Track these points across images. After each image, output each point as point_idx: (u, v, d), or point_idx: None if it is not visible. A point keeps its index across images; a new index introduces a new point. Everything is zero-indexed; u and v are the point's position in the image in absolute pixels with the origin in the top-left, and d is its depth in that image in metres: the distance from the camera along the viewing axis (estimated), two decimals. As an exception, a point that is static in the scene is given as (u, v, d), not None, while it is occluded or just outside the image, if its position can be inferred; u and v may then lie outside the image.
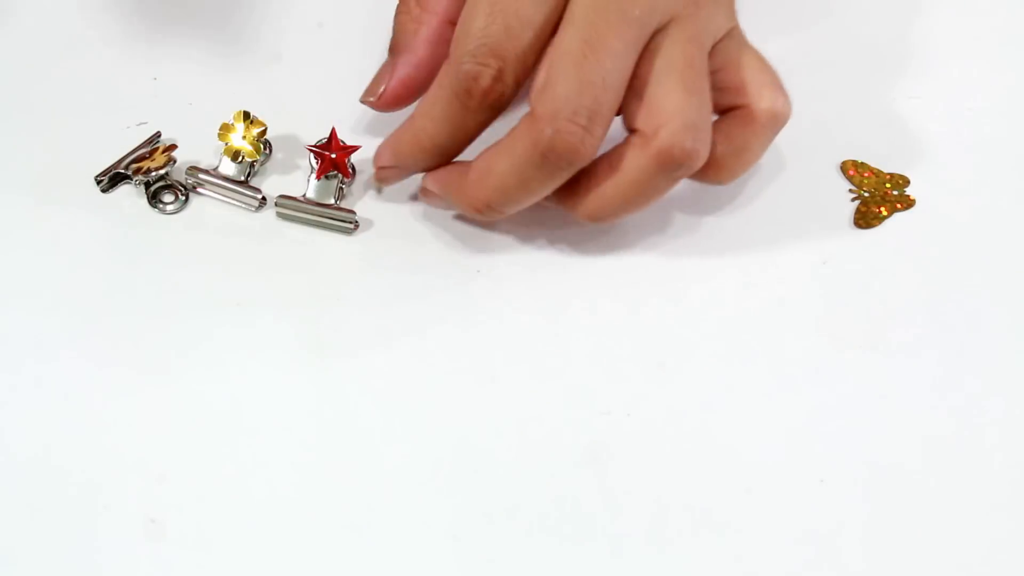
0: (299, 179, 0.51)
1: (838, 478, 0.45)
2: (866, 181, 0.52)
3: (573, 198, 0.46)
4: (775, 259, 0.50)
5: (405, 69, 0.49)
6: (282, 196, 0.50)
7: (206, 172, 0.50)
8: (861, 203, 0.51)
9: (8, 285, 0.48)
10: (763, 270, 0.49)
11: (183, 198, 0.50)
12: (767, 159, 0.51)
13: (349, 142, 0.50)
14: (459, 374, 0.47)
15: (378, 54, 0.51)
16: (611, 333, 0.48)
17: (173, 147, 0.50)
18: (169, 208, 0.50)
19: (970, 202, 0.51)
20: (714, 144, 0.45)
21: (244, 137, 0.50)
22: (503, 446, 0.45)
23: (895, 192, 0.52)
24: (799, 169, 0.52)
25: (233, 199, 0.50)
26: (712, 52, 0.45)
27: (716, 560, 0.43)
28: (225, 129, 0.50)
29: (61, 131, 0.52)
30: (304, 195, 0.50)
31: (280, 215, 0.50)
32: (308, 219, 0.50)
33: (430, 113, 0.46)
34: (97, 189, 0.50)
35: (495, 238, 0.50)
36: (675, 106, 0.43)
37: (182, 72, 0.53)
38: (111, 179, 0.50)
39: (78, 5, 0.55)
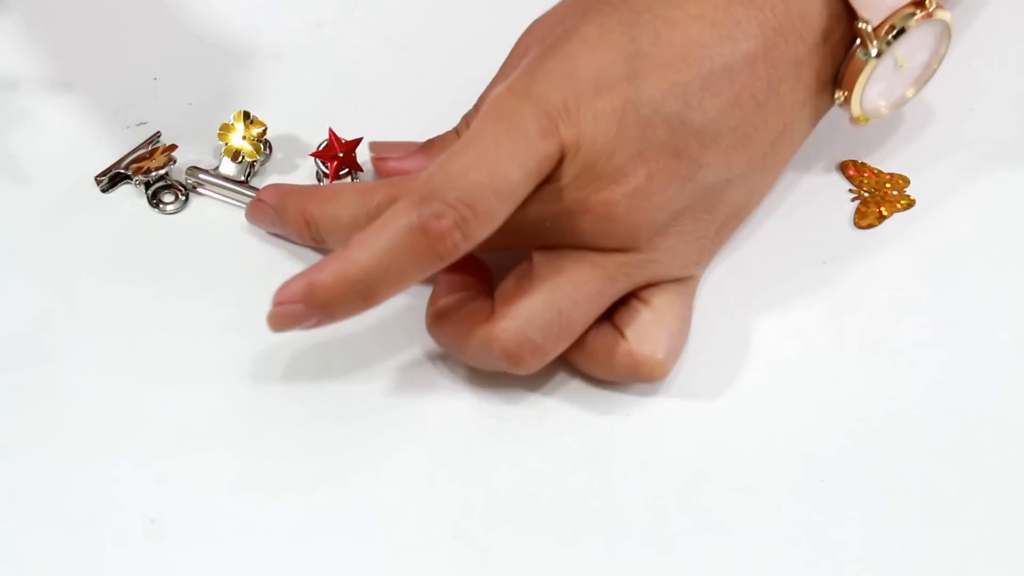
0: (299, 179, 0.51)
1: (838, 478, 0.45)
2: (866, 181, 0.52)
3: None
4: (775, 259, 0.50)
5: (419, 163, 0.48)
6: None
7: (206, 172, 0.50)
8: (861, 203, 0.51)
9: (8, 285, 0.48)
10: (763, 270, 0.49)
11: (183, 198, 0.50)
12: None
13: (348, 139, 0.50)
14: (459, 374, 0.47)
15: (378, 54, 0.51)
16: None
17: (173, 147, 0.50)
18: (169, 208, 0.50)
19: (970, 202, 0.51)
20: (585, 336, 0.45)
21: (244, 137, 0.50)
22: (503, 446, 0.45)
23: (895, 192, 0.51)
24: (799, 169, 0.52)
25: (233, 199, 0.50)
26: (649, 287, 0.45)
27: (716, 560, 0.43)
28: (225, 129, 0.50)
29: (61, 131, 0.52)
30: None
31: None
32: None
33: (370, 243, 0.42)
34: (97, 189, 0.50)
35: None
36: (527, 308, 0.43)
37: (182, 72, 0.53)
38: (111, 179, 0.50)
39: (78, 5, 0.55)
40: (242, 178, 0.50)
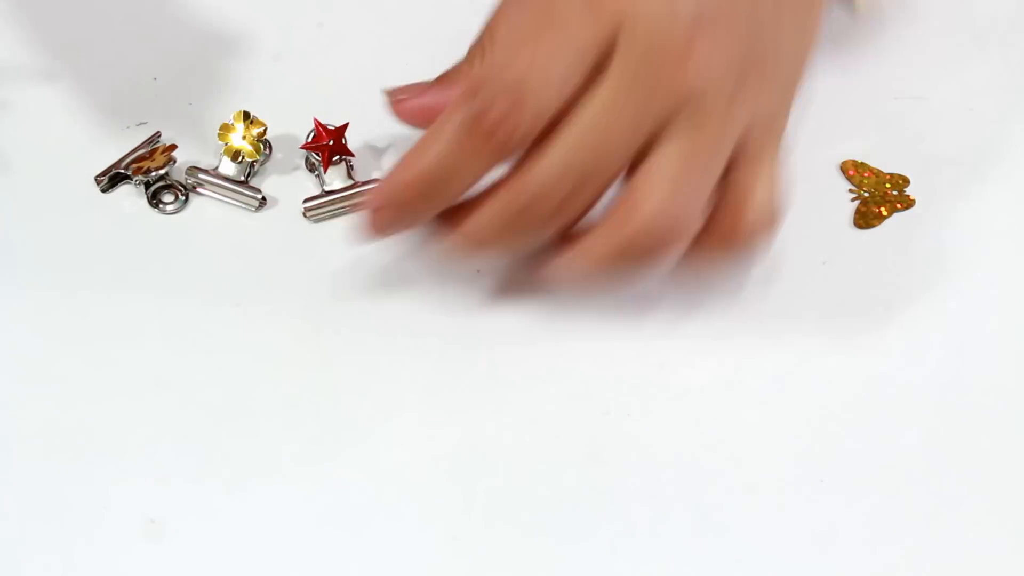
0: (299, 179, 0.51)
1: (838, 478, 0.45)
2: (866, 181, 0.52)
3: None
4: (775, 259, 0.50)
5: (445, 93, 0.47)
6: (306, 200, 0.50)
7: (206, 172, 0.50)
8: (861, 203, 0.51)
9: (8, 285, 0.48)
10: (763, 270, 0.49)
11: (183, 198, 0.50)
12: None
13: (350, 141, 0.50)
14: (459, 374, 0.47)
15: (378, 54, 0.51)
16: (611, 333, 0.48)
17: (173, 147, 0.50)
18: (169, 208, 0.50)
19: (970, 202, 0.51)
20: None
21: (244, 137, 0.50)
22: (503, 446, 0.45)
23: (895, 192, 0.52)
24: (799, 169, 0.52)
25: (233, 199, 0.50)
26: (743, 141, 0.44)
27: (716, 560, 0.43)
28: (225, 129, 0.50)
29: (61, 131, 0.52)
30: (323, 190, 0.50)
31: (313, 218, 0.50)
32: (340, 209, 0.50)
33: (429, 147, 0.43)
34: (97, 189, 0.50)
35: (495, 238, 0.50)
36: (667, 191, 0.42)
37: (182, 72, 0.53)
38: (111, 179, 0.50)
39: (78, 5, 0.55)
40: (242, 178, 0.50)
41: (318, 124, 0.50)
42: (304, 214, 0.50)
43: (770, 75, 0.44)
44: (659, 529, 0.44)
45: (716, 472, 0.45)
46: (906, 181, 0.52)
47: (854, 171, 0.52)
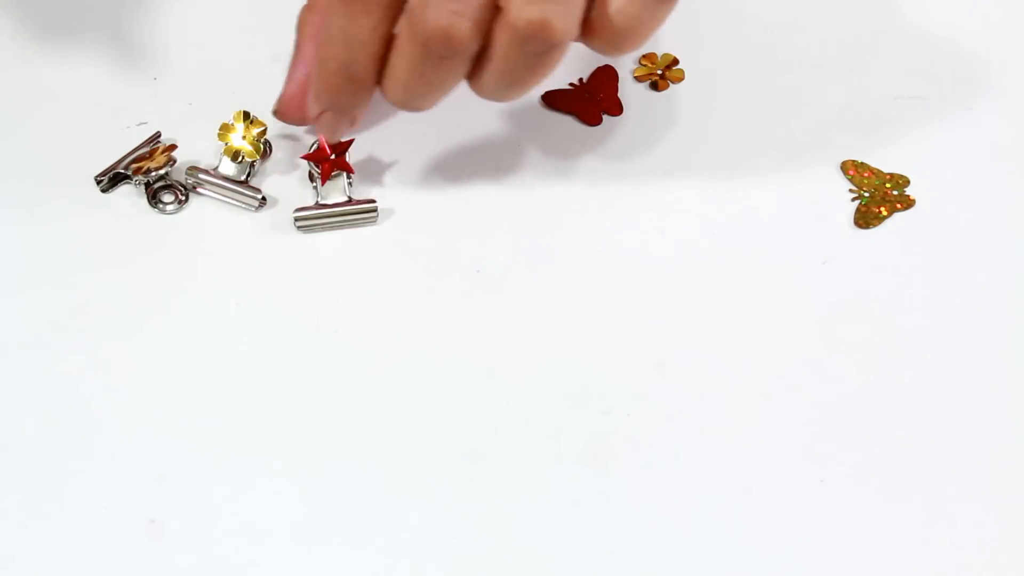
0: (299, 179, 0.51)
1: (838, 478, 0.45)
2: (866, 181, 0.52)
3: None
4: (775, 259, 0.50)
5: (299, 69, 0.49)
6: (297, 210, 0.50)
7: (206, 172, 0.50)
8: (861, 203, 0.51)
9: (8, 285, 0.48)
10: (763, 270, 0.49)
11: (183, 198, 0.50)
12: (767, 159, 0.51)
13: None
14: (459, 374, 0.47)
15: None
16: (611, 333, 0.48)
17: (173, 147, 0.50)
18: (169, 208, 0.50)
19: (970, 202, 0.51)
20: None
21: (244, 137, 0.50)
22: (503, 446, 0.45)
23: (895, 192, 0.52)
24: (799, 169, 0.52)
25: (233, 199, 0.50)
26: None
27: (716, 560, 0.43)
28: (225, 129, 0.50)
29: (61, 131, 0.52)
30: (316, 202, 0.50)
31: (302, 228, 0.50)
32: (331, 223, 0.50)
33: (396, 64, 0.44)
34: (97, 189, 0.50)
35: (495, 238, 0.50)
36: None
37: (182, 72, 0.53)
38: (111, 179, 0.50)
39: (77, 4, 0.55)
40: (242, 178, 0.50)
41: (323, 141, 0.50)
42: (294, 223, 0.50)
43: None
44: (659, 529, 0.44)
45: (716, 472, 0.45)
46: (906, 181, 0.52)
47: (854, 171, 0.52)
